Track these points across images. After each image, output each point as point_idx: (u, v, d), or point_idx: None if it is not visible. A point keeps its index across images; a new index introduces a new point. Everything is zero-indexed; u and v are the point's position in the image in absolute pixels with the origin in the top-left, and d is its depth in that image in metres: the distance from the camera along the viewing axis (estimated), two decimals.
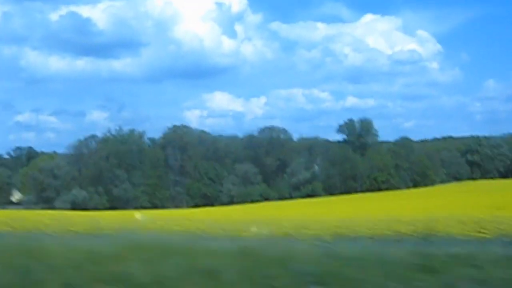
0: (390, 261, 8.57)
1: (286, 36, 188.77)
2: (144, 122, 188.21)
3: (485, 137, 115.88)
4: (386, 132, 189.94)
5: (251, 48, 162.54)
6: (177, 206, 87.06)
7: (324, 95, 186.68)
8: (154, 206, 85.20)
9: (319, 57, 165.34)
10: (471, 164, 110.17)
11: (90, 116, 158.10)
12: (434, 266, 7.99)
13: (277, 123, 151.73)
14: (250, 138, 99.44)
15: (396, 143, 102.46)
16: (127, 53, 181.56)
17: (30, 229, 18.55)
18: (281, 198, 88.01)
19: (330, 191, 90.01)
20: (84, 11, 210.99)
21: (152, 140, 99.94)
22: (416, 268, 7.90)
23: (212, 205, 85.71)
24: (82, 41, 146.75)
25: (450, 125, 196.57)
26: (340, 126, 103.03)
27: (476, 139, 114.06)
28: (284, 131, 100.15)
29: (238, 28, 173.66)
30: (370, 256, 9.42)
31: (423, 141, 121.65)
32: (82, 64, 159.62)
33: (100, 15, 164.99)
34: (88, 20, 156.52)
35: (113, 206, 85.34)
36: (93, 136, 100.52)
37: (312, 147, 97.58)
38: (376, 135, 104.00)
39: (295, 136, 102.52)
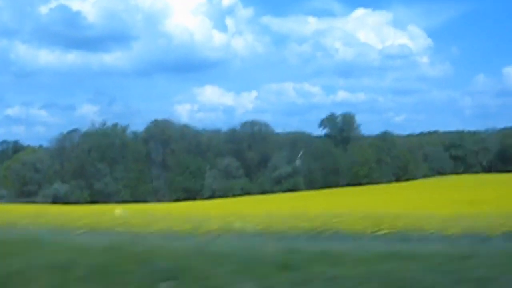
0: (254, 258, 8.77)
1: (277, 30, 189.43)
2: (135, 116, 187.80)
3: (469, 132, 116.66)
4: (376, 127, 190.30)
5: (242, 42, 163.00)
6: (159, 200, 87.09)
7: (315, 89, 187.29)
8: (135, 200, 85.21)
9: (310, 51, 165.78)
10: (454, 158, 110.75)
11: (81, 109, 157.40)
12: (294, 264, 8.18)
13: (268, 117, 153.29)
14: (232, 132, 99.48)
15: (378, 137, 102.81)
16: (118, 46, 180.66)
17: None
18: (263, 192, 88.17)
19: (311, 185, 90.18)
20: (74, 4, 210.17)
21: (135, 134, 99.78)
22: (275, 265, 8.10)
23: (194, 199, 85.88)
24: (72, 34, 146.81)
25: (440, 119, 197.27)
26: (322, 120, 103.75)
27: (460, 133, 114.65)
28: (266, 125, 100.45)
29: (229, 22, 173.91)
30: (241, 252, 9.64)
31: (409, 136, 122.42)
32: (72, 57, 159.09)
33: (90, 8, 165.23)
34: (78, 13, 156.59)
35: (94, 200, 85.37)
36: (76, 130, 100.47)
37: (295, 142, 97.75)
38: (359, 130, 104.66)
39: (278, 130, 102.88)
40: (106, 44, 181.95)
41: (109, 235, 14.62)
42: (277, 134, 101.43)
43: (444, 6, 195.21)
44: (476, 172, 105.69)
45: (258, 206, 45.21)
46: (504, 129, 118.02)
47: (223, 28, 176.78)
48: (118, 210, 29.93)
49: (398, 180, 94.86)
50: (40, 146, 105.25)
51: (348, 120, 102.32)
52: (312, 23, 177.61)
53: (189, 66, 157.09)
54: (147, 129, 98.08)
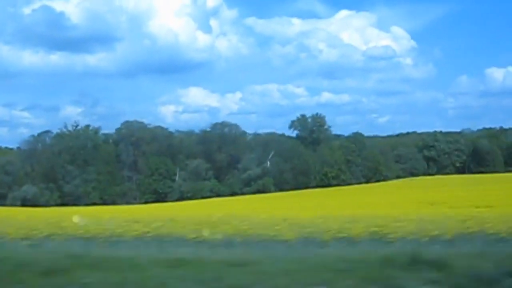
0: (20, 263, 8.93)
1: (261, 31, 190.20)
2: (120, 117, 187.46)
3: (443, 133, 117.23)
4: (359, 128, 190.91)
5: (226, 43, 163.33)
6: (127, 202, 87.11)
7: (299, 90, 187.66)
8: (104, 203, 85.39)
9: (294, 52, 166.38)
10: (427, 159, 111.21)
11: (64, 111, 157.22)
12: (58, 269, 8.34)
13: (252, 118, 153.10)
14: (204, 134, 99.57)
15: (348, 138, 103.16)
16: (102, 47, 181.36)
17: None
18: (232, 193, 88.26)
19: (281, 187, 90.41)
20: (58, 5, 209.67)
21: (106, 135, 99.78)
22: (39, 270, 8.28)
23: (162, 201, 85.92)
24: (56, 35, 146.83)
25: (422, 120, 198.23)
26: (292, 121, 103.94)
27: (432, 134, 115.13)
28: (237, 126, 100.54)
29: (213, 23, 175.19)
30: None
31: (388, 137, 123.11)
32: (56, 58, 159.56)
33: (74, 9, 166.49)
34: (61, 14, 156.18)
35: (64, 202, 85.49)
36: (48, 132, 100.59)
37: (266, 143, 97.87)
38: (330, 131, 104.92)
39: (248, 132, 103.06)
40: (90, 45, 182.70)
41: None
42: (248, 135, 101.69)
43: (427, 8, 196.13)
44: (449, 173, 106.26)
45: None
46: (478, 130, 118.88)
47: (207, 29, 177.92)
48: (76, 217, 29.21)
49: (368, 181, 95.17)
50: (11, 148, 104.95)
51: (318, 122, 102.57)
52: (296, 25, 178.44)
53: (174, 67, 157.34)
54: (118, 130, 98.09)
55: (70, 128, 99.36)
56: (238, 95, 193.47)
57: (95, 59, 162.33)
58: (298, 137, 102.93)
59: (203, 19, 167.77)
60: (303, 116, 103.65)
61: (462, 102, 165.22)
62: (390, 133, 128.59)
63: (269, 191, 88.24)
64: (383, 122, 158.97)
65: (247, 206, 47.33)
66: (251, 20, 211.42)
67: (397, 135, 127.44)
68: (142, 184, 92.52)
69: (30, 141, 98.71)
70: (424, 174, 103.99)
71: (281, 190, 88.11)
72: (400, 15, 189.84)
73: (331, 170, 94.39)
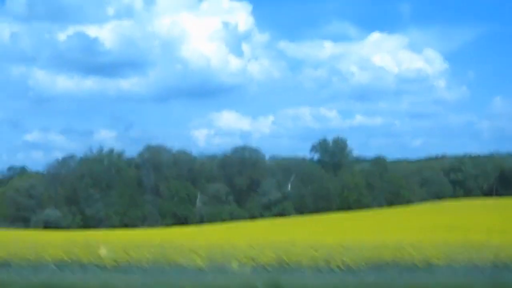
0: None
1: (293, 55, 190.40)
2: (152, 141, 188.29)
3: (470, 156, 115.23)
4: (393, 150, 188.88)
5: (258, 67, 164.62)
6: (149, 226, 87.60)
7: (332, 113, 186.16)
8: (125, 226, 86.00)
9: (326, 75, 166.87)
10: (453, 183, 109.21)
11: (98, 135, 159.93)
12: None
13: (284, 142, 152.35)
14: (224, 158, 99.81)
15: (370, 162, 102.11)
16: (134, 72, 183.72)
17: None
18: (252, 217, 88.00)
19: (301, 211, 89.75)
20: (91, 31, 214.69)
21: (128, 159, 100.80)
22: None
23: (182, 224, 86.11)
24: (90, 60, 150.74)
25: (456, 143, 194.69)
26: (313, 145, 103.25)
27: (459, 158, 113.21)
28: (257, 150, 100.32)
29: (245, 47, 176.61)
30: None
31: (418, 161, 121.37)
32: (90, 83, 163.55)
33: (107, 34, 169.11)
34: (95, 40, 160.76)
35: (86, 225, 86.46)
36: (73, 156, 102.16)
37: (287, 167, 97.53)
38: (351, 154, 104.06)
39: (268, 156, 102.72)
40: (123, 70, 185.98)
41: None
42: (269, 159, 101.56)
43: (460, 30, 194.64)
44: (475, 196, 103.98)
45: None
46: (508, 153, 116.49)
47: (239, 53, 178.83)
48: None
49: (390, 205, 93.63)
50: (37, 172, 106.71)
51: (339, 145, 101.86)
52: (328, 48, 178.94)
53: (206, 91, 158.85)
54: (139, 155, 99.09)
55: (94, 151, 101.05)
56: (270, 118, 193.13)
57: (128, 84, 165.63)
58: (319, 161, 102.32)
59: (235, 43, 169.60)
60: (324, 139, 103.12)
61: (495, 124, 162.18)
62: (422, 155, 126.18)
63: (289, 215, 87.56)
64: (416, 145, 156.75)
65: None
66: (282, 44, 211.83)
67: (426, 159, 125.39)
68: (163, 207, 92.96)
69: (55, 165, 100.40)
70: (450, 198, 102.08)
71: (301, 214, 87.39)
72: (433, 37, 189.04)
73: (352, 194, 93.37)
